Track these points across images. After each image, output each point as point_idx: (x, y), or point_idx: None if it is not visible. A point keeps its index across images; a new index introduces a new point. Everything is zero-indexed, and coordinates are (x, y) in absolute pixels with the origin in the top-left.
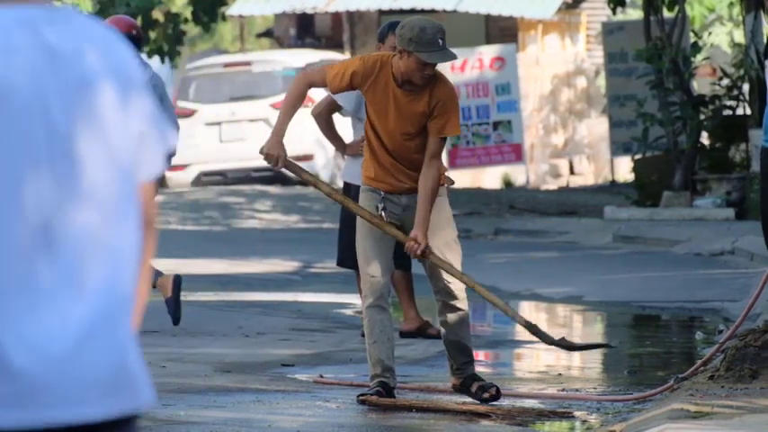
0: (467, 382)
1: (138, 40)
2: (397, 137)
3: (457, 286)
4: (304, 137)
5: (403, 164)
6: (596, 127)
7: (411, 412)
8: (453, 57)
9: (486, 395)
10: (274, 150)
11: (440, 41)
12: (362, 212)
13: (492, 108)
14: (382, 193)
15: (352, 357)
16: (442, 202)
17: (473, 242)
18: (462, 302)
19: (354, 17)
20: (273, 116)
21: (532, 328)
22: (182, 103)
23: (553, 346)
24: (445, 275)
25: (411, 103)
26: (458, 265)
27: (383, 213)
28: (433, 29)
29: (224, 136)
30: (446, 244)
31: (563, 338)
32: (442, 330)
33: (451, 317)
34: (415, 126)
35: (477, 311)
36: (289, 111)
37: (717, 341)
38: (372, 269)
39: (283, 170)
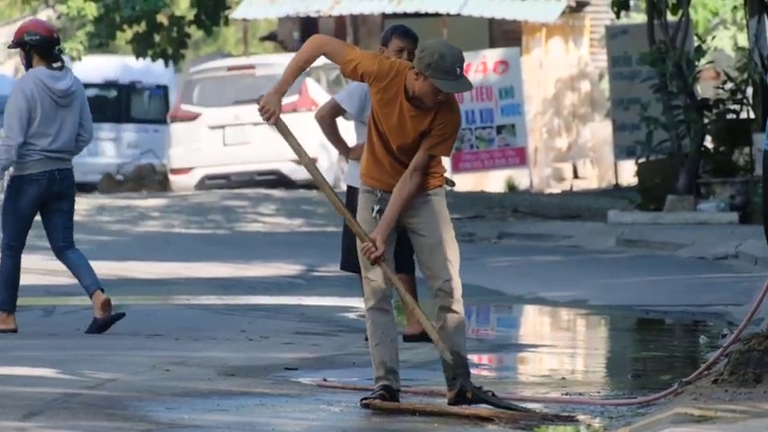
0: (462, 390)
1: (56, 43)
2: (396, 143)
3: (455, 286)
4: (307, 140)
5: (401, 164)
6: (600, 130)
7: (414, 416)
8: (470, 87)
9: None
10: (271, 105)
11: (458, 70)
12: (334, 199)
13: (495, 112)
14: (379, 193)
15: (356, 361)
16: (441, 202)
17: (477, 246)
18: (458, 304)
19: (358, 21)
20: None
21: (458, 362)
22: (185, 107)
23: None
24: (444, 275)
25: (414, 119)
26: (457, 263)
27: (378, 216)
28: (452, 57)
29: (228, 139)
30: (446, 241)
31: (480, 387)
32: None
33: (448, 320)
34: (415, 140)
35: (481, 315)
36: (295, 71)
37: (721, 345)
38: (372, 272)
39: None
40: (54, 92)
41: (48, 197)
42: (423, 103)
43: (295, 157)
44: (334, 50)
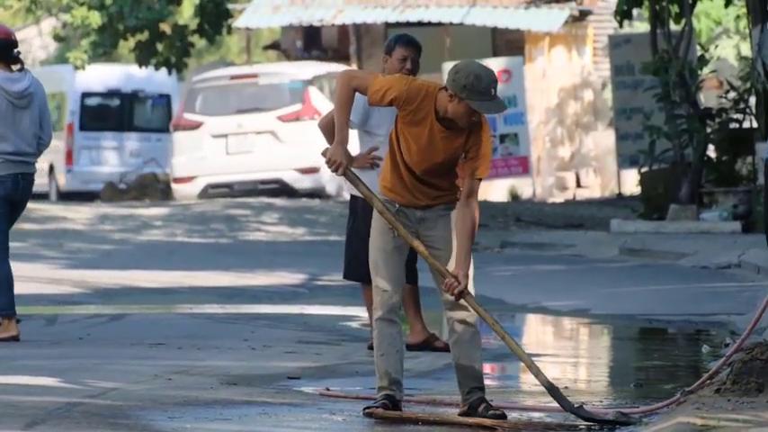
0: (474, 403)
1: (14, 45)
2: (423, 163)
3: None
4: (311, 149)
5: (423, 183)
6: (603, 140)
7: (417, 425)
8: (504, 107)
9: (490, 412)
10: (338, 157)
11: (492, 91)
12: (414, 242)
13: (498, 121)
14: (397, 205)
15: (359, 370)
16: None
17: (480, 255)
18: (473, 317)
19: (361, 30)
20: (280, 128)
21: (553, 391)
22: (188, 116)
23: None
24: None
25: (446, 140)
26: (471, 276)
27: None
28: (488, 78)
29: (230, 148)
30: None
31: (581, 406)
32: (453, 352)
33: (463, 333)
34: (445, 159)
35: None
36: (344, 116)
37: (723, 354)
38: (383, 282)
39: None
40: (10, 94)
41: (12, 200)
42: (454, 123)
43: (298, 165)
44: (361, 83)
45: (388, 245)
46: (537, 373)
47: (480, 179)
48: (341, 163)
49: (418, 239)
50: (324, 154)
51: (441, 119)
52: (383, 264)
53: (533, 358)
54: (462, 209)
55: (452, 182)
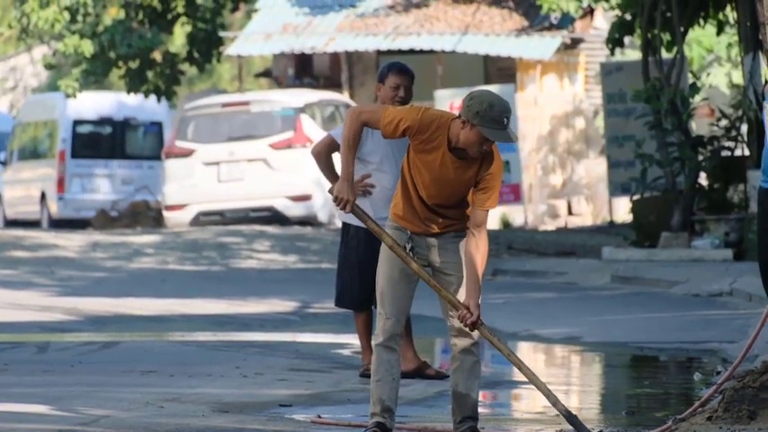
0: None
1: None
2: (435, 193)
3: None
4: (303, 176)
5: (435, 213)
6: (595, 167)
7: None
8: (515, 138)
9: None
10: (344, 194)
11: (505, 120)
12: (424, 275)
13: None
14: (409, 232)
15: (350, 398)
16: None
17: None
18: (476, 346)
19: (353, 57)
20: (272, 156)
21: (572, 419)
22: (180, 143)
23: None
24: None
25: (459, 170)
26: (479, 303)
27: (411, 253)
28: (500, 107)
29: (222, 176)
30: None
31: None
32: (452, 379)
33: (465, 362)
34: (456, 190)
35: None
36: (351, 152)
37: (715, 382)
38: (388, 309)
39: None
40: None
41: None
42: (466, 153)
43: (289, 193)
44: (370, 117)
45: (395, 272)
46: (555, 402)
47: (488, 210)
48: (348, 200)
49: (430, 270)
50: (331, 191)
51: (453, 149)
52: (389, 291)
53: (525, 386)
54: (472, 239)
55: (463, 212)
